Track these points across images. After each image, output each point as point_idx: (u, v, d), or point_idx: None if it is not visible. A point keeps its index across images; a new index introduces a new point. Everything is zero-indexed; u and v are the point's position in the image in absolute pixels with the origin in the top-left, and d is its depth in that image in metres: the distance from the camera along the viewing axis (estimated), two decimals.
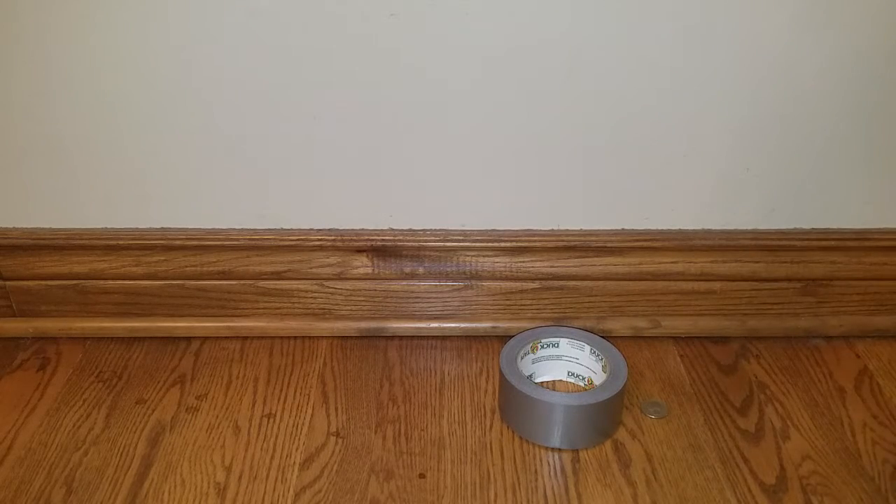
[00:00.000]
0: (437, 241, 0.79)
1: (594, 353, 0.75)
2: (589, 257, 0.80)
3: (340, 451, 0.71)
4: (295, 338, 0.84)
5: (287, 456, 0.71)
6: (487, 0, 0.66)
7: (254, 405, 0.76)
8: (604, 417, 0.70)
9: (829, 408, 0.76)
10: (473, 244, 0.79)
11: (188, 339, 0.84)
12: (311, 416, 0.75)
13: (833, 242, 0.79)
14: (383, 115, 0.72)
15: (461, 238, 0.79)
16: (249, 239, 0.78)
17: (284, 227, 0.79)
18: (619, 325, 0.83)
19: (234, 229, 0.78)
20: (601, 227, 0.79)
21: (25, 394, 0.77)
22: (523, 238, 0.79)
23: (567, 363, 0.78)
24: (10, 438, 0.72)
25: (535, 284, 0.81)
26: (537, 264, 0.80)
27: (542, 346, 0.76)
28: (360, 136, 0.73)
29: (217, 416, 0.75)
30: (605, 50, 0.68)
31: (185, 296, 0.82)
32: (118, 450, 0.71)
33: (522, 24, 0.67)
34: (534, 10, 0.66)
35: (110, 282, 0.81)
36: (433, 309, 0.83)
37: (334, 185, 0.76)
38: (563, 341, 0.76)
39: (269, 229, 0.78)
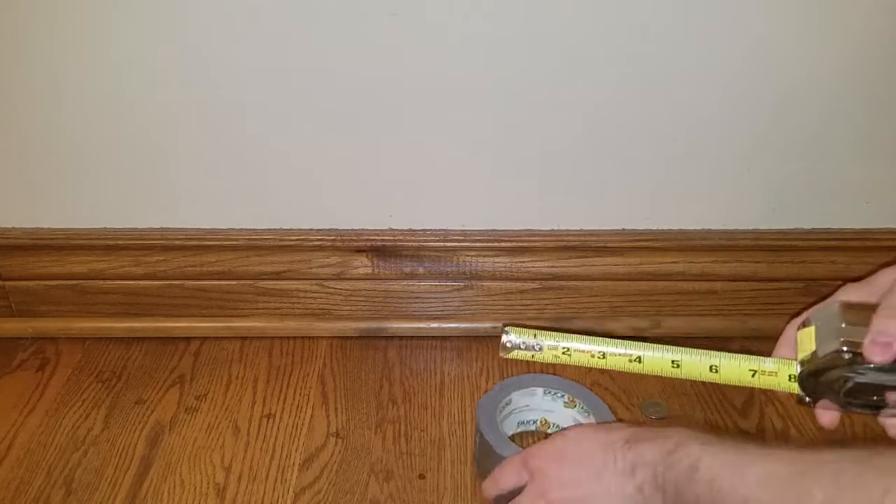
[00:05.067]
0: (437, 241, 0.79)
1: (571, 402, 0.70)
2: (589, 257, 0.80)
3: (340, 451, 0.71)
4: (294, 338, 0.84)
5: (287, 456, 0.70)
6: (489, 0, 0.66)
7: (253, 405, 0.76)
8: None
9: None
10: (473, 244, 0.79)
11: (187, 340, 0.84)
12: (311, 416, 0.75)
13: (834, 242, 0.79)
14: (383, 115, 0.71)
15: (461, 238, 0.79)
16: (249, 239, 0.78)
17: (284, 227, 0.78)
18: (619, 326, 0.83)
19: (234, 229, 0.78)
20: (601, 227, 0.79)
21: (24, 394, 0.77)
22: (523, 238, 0.79)
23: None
24: (10, 439, 0.72)
25: (536, 284, 0.81)
26: (537, 264, 0.80)
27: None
28: (361, 135, 0.73)
29: (216, 417, 0.75)
30: (606, 50, 0.68)
31: (185, 296, 0.82)
32: (117, 450, 0.71)
33: (524, 25, 0.66)
34: (535, 10, 0.66)
35: (110, 282, 0.81)
36: (433, 309, 0.83)
37: (334, 184, 0.76)
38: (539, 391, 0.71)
39: (268, 229, 0.78)
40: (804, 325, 0.50)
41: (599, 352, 0.53)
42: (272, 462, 0.70)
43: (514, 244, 0.79)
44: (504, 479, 0.59)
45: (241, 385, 0.78)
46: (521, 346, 0.54)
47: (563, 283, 0.81)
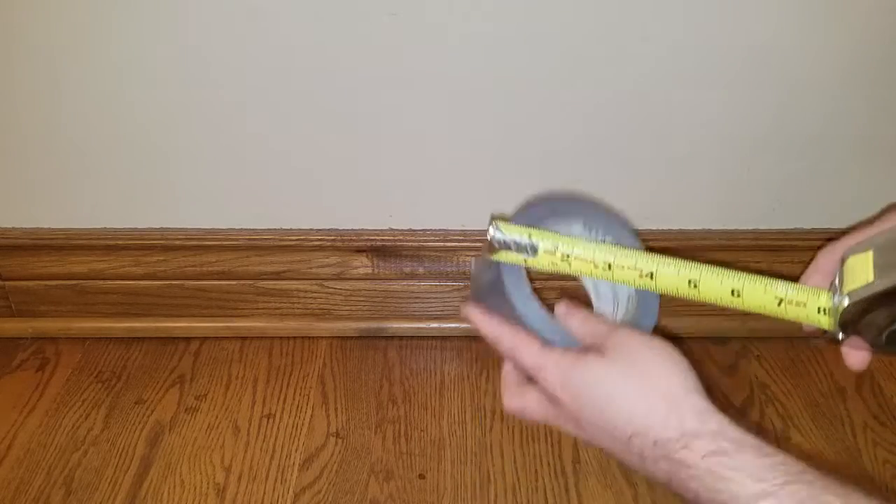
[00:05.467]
0: (437, 241, 0.79)
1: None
2: None
3: (340, 451, 0.71)
4: (294, 338, 0.84)
5: (287, 456, 0.70)
6: (489, 0, 0.66)
7: (253, 405, 0.76)
8: None
9: (830, 408, 0.76)
10: (473, 244, 0.79)
11: (187, 340, 0.84)
12: (311, 416, 0.75)
13: None
14: (383, 115, 0.71)
15: (461, 238, 0.79)
16: (249, 239, 0.78)
17: (284, 227, 0.78)
18: None
19: (234, 229, 0.78)
20: None
21: (24, 394, 0.77)
22: None
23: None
24: (10, 439, 0.72)
25: (536, 285, 0.81)
26: None
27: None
28: (361, 135, 0.73)
29: (216, 417, 0.75)
30: (606, 50, 0.68)
31: (185, 296, 0.82)
32: (117, 450, 0.71)
33: (524, 25, 0.66)
34: (535, 10, 0.66)
35: (109, 282, 0.81)
36: (433, 309, 0.83)
37: (334, 184, 0.76)
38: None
39: (268, 229, 0.78)
40: (853, 251, 0.43)
41: (605, 262, 0.45)
42: (272, 462, 0.70)
43: None
44: (508, 348, 0.46)
45: (241, 385, 0.78)
46: (512, 247, 0.45)
47: (562, 282, 0.81)
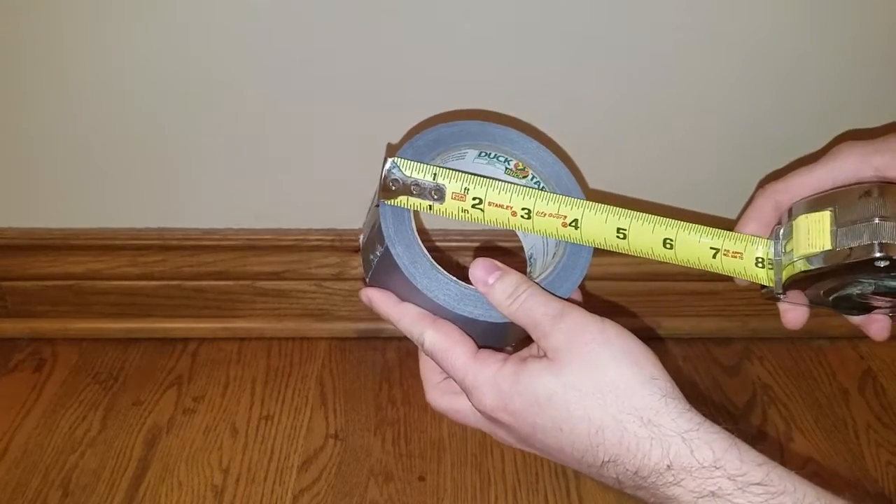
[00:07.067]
0: (437, 240, 0.78)
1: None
2: None
3: (339, 453, 0.70)
4: (293, 339, 0.83)
5: (285, 458, 0.70)
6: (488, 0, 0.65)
7: (251, 407, 0.75)
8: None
9: (833, 409, 0.75)
10: (473, 244, 0.78)
11: (185, 341, 0.83)
12: (310, 417, 0.74)
13: None
14: (381, 114, 0.71)
15: (461, 238, 0.78)
16: (247, 239, 0.78)
17: (282, 227, 0.78)
18: None
19: (232, 229, 0.78)
20: None
21: (21, 395, 0.77)
22: None
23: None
24: (6, 440, 0.72)
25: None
26: None
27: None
28: (360, 135, 0.72)
29: (214, 418, 0.74)
30: (605, 49, 0.67)
31: (182, 296, 0.81)
32: (114, 452, 0.70)
33: (526, 25, 0.66)
34: (537, 10, 0.65)
35: (107, 282, 0.80)
36: None
37: (333, 184, 0.76)
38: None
39: (266, 229, 0.78)
40: (805, 207, 0.38)
41: (524, 209, 0.39)
42: (270, 464, 0.69)
43: (515, 244, 0.78)
44: (429, 350, 0.38)
45: (239, 386, 0.78)
46: (413, 190, 0.37)
47: None
